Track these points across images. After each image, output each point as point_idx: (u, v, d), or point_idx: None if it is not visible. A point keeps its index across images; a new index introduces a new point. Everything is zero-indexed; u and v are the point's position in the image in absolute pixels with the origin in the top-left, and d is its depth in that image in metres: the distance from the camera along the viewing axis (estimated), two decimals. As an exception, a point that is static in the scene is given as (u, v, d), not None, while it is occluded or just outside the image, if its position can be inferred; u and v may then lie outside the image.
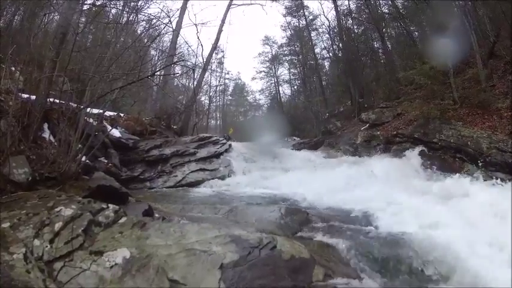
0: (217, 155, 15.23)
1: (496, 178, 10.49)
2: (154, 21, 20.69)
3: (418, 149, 14.86)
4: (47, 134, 8.72)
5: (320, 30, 40.01)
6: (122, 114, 17.03)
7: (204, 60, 26.21)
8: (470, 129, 14.02)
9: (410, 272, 4.85)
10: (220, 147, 15.83)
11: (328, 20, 38.12)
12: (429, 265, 4.88)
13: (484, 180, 10.49)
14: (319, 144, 22.09)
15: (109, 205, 5.08)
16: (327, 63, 41.81)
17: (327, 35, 38.15)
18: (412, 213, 6.91)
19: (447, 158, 13.74)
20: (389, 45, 30.86)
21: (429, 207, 7.65)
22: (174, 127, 21.12)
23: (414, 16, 26.12)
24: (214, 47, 26.92)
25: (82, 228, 4.44)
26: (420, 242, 5.36)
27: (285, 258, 4.29)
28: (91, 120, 10.35)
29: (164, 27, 23.09)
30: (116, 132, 13.74)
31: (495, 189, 9.33)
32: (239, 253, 4.18)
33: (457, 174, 11.33)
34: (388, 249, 5.35)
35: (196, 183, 12.86)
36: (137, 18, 23.01)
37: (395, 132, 16.88)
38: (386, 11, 30.76)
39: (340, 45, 33.65)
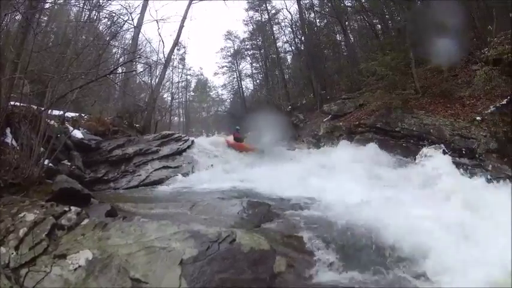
0: (180, 152, 15.13)
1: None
2: (115, 18, 20.42)
3: (380, 138, 15.00)
4: (9, 139, 8.58)
5: (282, 24, 39.90)
6: (84, 115, 16.69)
7: (165, 56, 25.94)
8: (433, 117, 14.21)
9: (371, 258, 4.94)
10: (183, 144, 15.70)
11: (291, 14, 38.27)
12: (386, 250, 5.00)
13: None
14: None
15: (71, 208, 5.08)
16: (289, 57, 41.93)
17: (289, 29, 38.07)
18: (369, 202, 6.91)
19: (410, 146, 13.86)
20: (351, 38, 31.14)
21: (386, 195, 7.87)
22: (137, 126, 20.67)
23: (377, 9, 26.28)
24: (176, 43, 26.49)
25: (46, 233, 4.46)
26: (378, 229, 5.43)
27: (244, 251, 4.33)
28: (53, 122, 10.12)
29: (124, 24, 22.86)
30: (78, 134, 13.38)
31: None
32: (198, 248, 4.21)
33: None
34: (349, 237, 5.42)
35: (160, 181, 12.69)
36: (99, 16, 22.63)
37: (357, 123, 16.93)
38: (349, 4, 30.87)
39: (303, 38, 33.57)
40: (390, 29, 25.71)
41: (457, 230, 5.55)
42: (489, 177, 9.15)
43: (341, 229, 5.68)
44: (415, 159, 11.36)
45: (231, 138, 18.53)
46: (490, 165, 11.52)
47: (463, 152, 12.41)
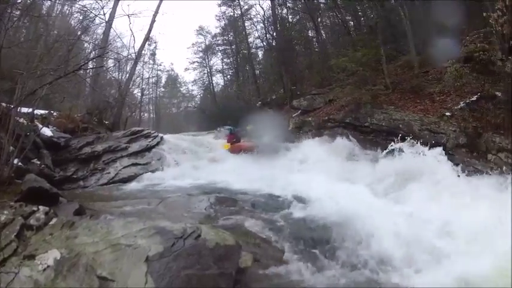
0: (149, 149, 15.13)
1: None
2: (87, 12, 20.10)
3: (349, 133, 14.98)
4: (-21, 139, 8.32)
5: (255, 20, 39.65)
6: (53, 112, 16.39)
7: (136, 52, 25.66)
8: (402, 112, 14.28)
9: (339, 251, 5.09)
10: (152, 140, 15.69)
11: (263, 10, 38.23)
12: (352, 243, 5.21)
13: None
14: None
15: (39, 207, 5.07)
16: (260, 53, 41.75)
17: (262, 25, 37.82)
18: (333, 196, 7.11)
19: (379, 140, 13.85)
20: (323, 34, 31.23)
21: (353, 188, 8.20)
22: (106, 122, 20.45)
23: (350, 6, 26.58)
24: (147, 38, 26.16)
25: (15, 234, 4.46)
26: (345, 223, 5.65)
27: (209, 246, 4.33)
28: (22, 120, 9.91)
29: (95, 18, 22.53)
30: (47, 131, 13.12)
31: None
32: (163, 244, 4.21)
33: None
34: (316, 230, 5.69)
35: (129, 179, 12.70)
36: (71, 10, 22.23)
37: (326, 118, 16.96)
38: (322, 0, 30.95)
39: (274, 34, 33.52)
40: (362, 26, 25.96)
41: (431, 224, 5.79)
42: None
43: (307, 223, 5.98)
44: (384, 153, 11.31)
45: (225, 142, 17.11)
46: (460, 160, 11.57)
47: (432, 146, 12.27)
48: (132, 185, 11.70)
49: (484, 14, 15.36)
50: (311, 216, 6.17)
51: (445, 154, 11.08)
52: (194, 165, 14.05)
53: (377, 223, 5.56)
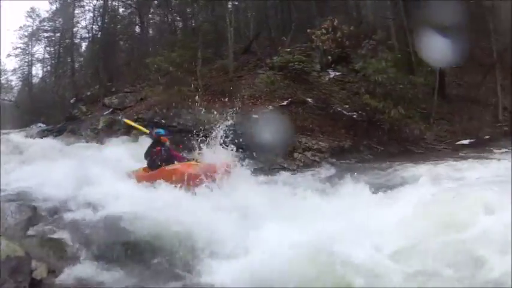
0: None
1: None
2: None
3: None
4: None
5: (86, 8, 36.92)
6: None
7: None
8: (209, 114, 13.86)
9: (135, 253, 5.06)
10: None
11: (97, -1, 35.92)
12: (146, 244, 5.18)
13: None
14: (63, 130, 20.63)
15: None
16: (84, 44, 39.10)
17: (91, 14, 35.53)
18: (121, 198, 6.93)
19: (184, 140, 13.12)
20: (150, 32, 31.03)
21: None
22: None
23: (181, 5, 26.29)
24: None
25: None
26: (134, 224, 5.54)
27: (1, 259, 4.10)
28: None
29: None
30: None
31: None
32: None
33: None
34: (110, 234, 5.53)
35: None
36: None
37: (136, 117, 16.65)
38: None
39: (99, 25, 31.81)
40: (189, 28, 25.89)
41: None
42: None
43: (102, 227, 5.78)
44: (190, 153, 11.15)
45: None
46: (262, 157, 12.65)
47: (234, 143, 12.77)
48: None
49: (308, 31, 17.86)
50: (114, 219, 5.90)
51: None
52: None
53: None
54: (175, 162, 9.04)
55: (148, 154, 9.19)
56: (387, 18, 19.56)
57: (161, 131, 9.92)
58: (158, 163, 8.88)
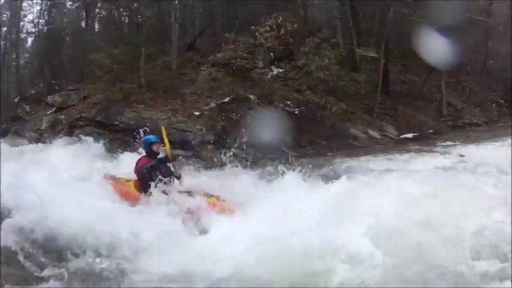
0: None
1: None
2: None
3: (100, 132, 14.86)
4: None
5: (35, 1, 35.93)
6: None
7: None
8: (152, 111, 14.79)
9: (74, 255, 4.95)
10: None
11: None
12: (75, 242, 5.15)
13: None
14: (7, 132, 20.32)
15: None
16: (30, 39, 37.94)
17: (39, 7, 34.37)
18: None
19: (128, 139, 13.53)
20: (97, 27, 30.25)
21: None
22: None
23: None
24: None
25: None
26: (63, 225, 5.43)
27: None
28: None
29: None
30: None
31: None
32: None
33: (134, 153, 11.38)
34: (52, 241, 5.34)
35: None
36: None
37: (78, 116, 16.43)
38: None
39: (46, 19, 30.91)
40: (134, 23, 25.22)
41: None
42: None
43: (32, 231, 5.51)
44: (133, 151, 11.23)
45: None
46: (205, 155, 13.04)
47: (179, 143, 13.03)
48: None
49: (252, 28, 17.92)
50: (37, 223, 5.63)
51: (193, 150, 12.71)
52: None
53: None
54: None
55: (146, 170, 7.12)
56: (334, 17, 20.43)
57: (151, 137, 7.90)
58: (156, 185, 6.74)
